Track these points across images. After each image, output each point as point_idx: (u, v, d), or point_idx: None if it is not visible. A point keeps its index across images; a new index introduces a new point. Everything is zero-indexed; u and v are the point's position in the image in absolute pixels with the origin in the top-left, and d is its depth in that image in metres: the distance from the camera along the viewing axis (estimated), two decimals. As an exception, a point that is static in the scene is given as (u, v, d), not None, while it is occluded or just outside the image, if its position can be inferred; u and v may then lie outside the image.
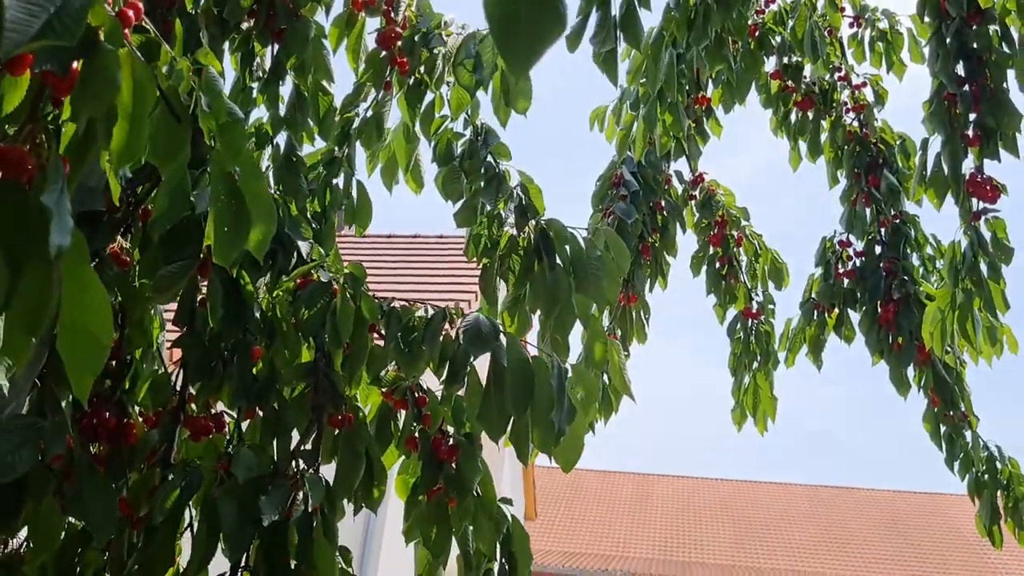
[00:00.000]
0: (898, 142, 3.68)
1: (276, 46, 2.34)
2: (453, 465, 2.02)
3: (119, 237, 1.95)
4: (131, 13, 1.32)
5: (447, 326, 1.95)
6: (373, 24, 2.51)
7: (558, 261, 2.24)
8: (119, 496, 1.81)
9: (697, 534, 16.78)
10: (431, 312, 1.99)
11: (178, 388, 2.00)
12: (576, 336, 2.57)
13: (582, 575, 14.11)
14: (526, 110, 2.24)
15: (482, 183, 2.37)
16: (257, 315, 1.91)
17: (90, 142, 1.16)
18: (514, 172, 2.40)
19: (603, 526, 17.06)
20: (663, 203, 3.55)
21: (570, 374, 1.83)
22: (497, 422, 1.82)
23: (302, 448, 1.83)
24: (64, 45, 0.97)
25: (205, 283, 1.94)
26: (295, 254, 2.04)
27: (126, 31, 1.32)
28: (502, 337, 1.85)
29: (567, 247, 2.24)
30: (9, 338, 0.94)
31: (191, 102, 1.38)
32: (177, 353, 2.02)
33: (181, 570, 1.82)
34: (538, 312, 2.30)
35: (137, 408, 2.01)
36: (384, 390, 2.05)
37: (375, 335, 2.04)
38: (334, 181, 2.44)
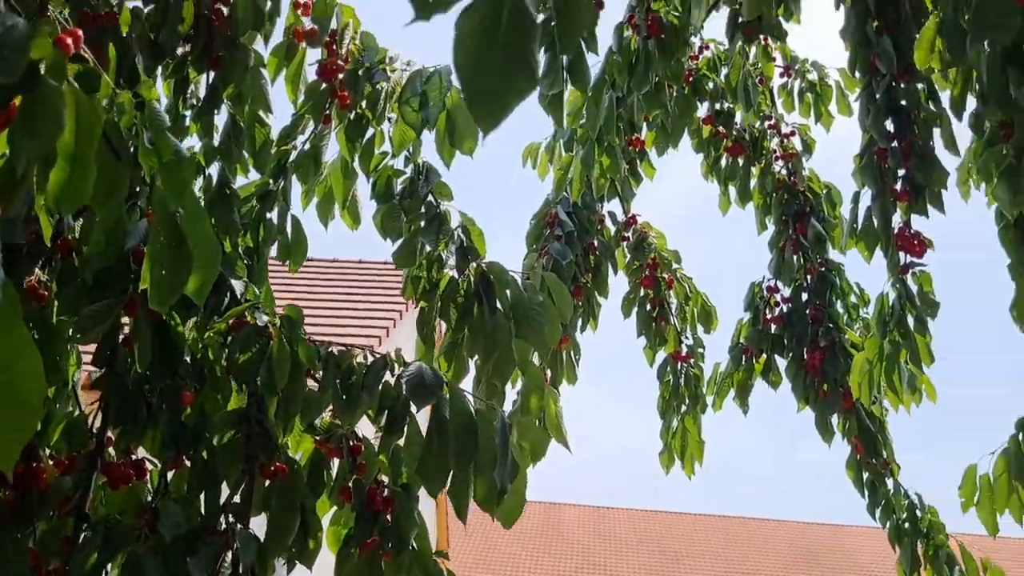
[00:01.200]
0: (825, 191, 3.77)
1: (212, 74, 2.25)
2: (388, 517, 1.95)
3: (37, 270, 1.83)
4: (70, 41, 1.24)
5: (387, 373, 1.88)
6: (314, 55, 2.44)
7: (499, 305, 2.19)
8: (28, 547, 1.68)
9: (609, 564, 16.81)
10: (370, 358, 1.92)
11: (95, 431, 1.88)
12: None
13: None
14: (472, 150, 2.20)
15: (422, 223, 2.31)
16: (187, 358, 1.81)
17: (23, 181, 1.07)
18: (455, 212, 2.35)
19: (513, 556, 16.94)
20: (596, 244, 3.55)
21: (513, 426, 1.78)
22: (437, 476, 1.76)
23: (232, 501, 1.73)
24: (4, 81, 0.89)
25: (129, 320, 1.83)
26: (228, 293, 1.94)
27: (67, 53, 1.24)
28: (445, 388, 1.80)
29: (508, 291, 2.19)
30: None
31: (131, 137, 1.30)
32: (94, 393, 1.90)
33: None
34: (475, 357, 2.25)
35: (48, 451, 1.88)
36: (318, 438, 1.96)
37: (311, 380, 1.95)
38: (268, 215, 2.35)
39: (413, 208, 2.31)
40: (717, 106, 3.87)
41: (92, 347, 1.86)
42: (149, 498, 1.83)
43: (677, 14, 2.89)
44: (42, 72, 0.96)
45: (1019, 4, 2.38)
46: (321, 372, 1.92)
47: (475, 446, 1.74)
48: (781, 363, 3.61)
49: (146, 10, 2.08)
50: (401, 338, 7.37)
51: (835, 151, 4.16)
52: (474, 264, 2.23)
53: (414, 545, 1.92)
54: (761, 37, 3.63)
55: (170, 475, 1.84)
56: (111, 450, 1.89)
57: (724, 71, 3.72)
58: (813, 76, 3.80)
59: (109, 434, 1.88)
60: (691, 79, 3.69)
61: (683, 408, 3.71)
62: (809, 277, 3.61)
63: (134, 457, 1.89)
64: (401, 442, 1.91)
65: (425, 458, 1.79)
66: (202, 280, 1.31)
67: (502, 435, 1.73)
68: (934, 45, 2.32)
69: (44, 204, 1.10)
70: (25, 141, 0.92)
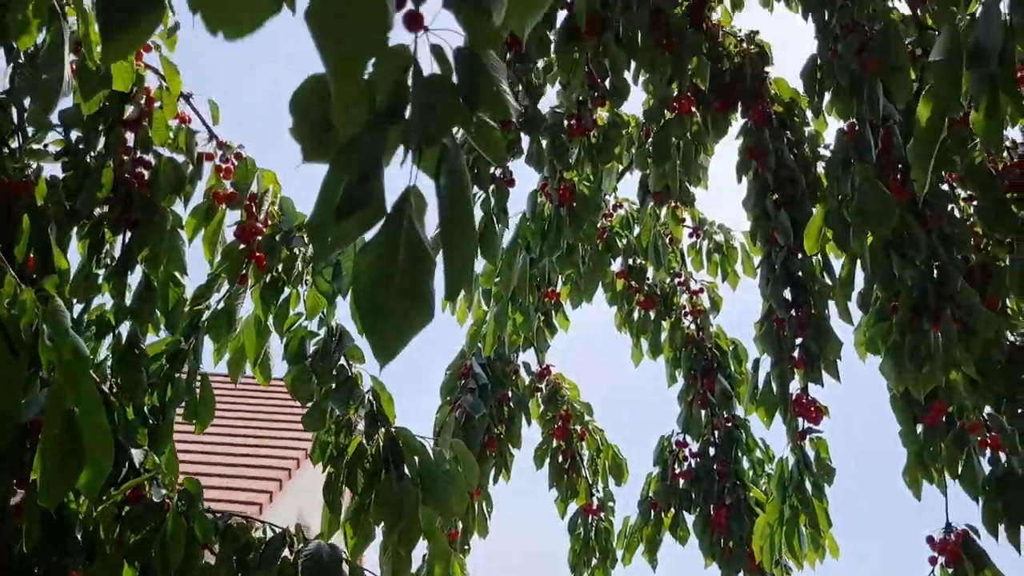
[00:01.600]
0: (731, 348, 3.91)
1: (128, 234, 2.28)
2: None
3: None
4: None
5: (286, 550, 1.87)
6: (233, 216, 2.49)
7: (406, 471, 2.20)
8: None
9: None
10: (270, 532, 1.90)
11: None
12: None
13: None
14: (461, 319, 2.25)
15: (333, 386, 2.33)
16: (78, 534, 1.77)
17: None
18: (366, 376, 2.38)
19: None
20: (510, 394, 3.60)
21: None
22: (333, 660, 1.73)
23: None
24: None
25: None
26: (127, 463, 1.92)
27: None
28: (345, 567, 1.79)
29: (416, 458, 2.21)
30: None
31: (32, 331, 1.31)
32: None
33: None
34: (381, 524, 2.24)
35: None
36: (211, 614, 1.91)
37: (208, 551, 1.92)
38: (177, 374, 2.34)
39: (324, 371, 2.33)
40: (630, 262, 4.02)
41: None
42: None
43: (588, 184, 3.04)
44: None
45: (899, 199, 2.59)
46: (218, 546, 1.90)
47: (372, 630, 1.73)
48: (689, 518, 3.66)
49: (63, 176, 2.12)
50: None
51: (742, 308, 4.34)
52: (383, 429, 2.25)
53: None
54: (671, 201, 3.82)
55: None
56: (-10, 625, 1.81)
57: (636, 230, 3.89)
58: (720, 238, 4.00)
59: (-10, 608, 1.81)
60: (605, 236, 3.85)
61: (593, 562, 3.70)
62: (716, 432, 3.71)
63: (14, 635, 1.82)
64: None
65: (321, 639, 1.76)
66: (94, 475, 1.30)
67: (399, 619, 1.72)
68: (821, 233, 2.49)
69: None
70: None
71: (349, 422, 2.30)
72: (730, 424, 3.70)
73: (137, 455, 1.95)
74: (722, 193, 4.24)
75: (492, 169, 2.54)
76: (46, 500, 1.27)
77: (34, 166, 2.06)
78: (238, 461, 6.68)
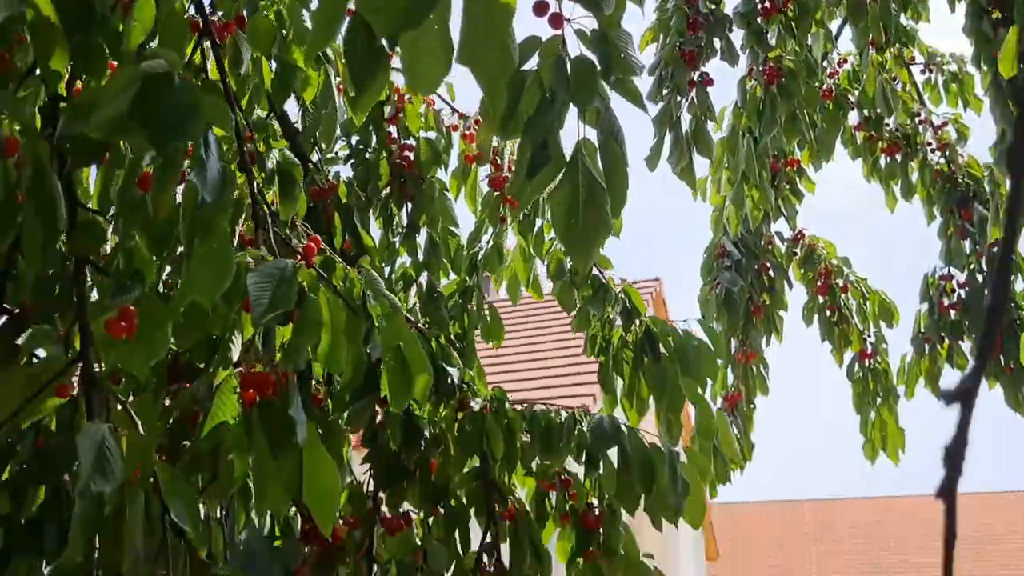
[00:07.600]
0: (986, 174, 3.86)
1: (410, 206, 2.88)
2: (601, 532, 2.44)
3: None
4: (313, 246, 1.86)
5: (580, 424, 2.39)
6: (484, 171, 3.02)
7: (663, 352, 2.63)
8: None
9: (896, 563, 16.02)
10: (564, 414, 2.43)
11: (370, 494, 2.51)
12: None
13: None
14: (619, 230, 2.69)
15: (591, 292, 2.80)
16: (426, 433, 2.40)
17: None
18: (618, 279, 2.82)
19: (788, 560, 16.67)
20: (768, 264, 3.88)
21: (683, 457, 2.24)
22: (630, 500, 2.25)
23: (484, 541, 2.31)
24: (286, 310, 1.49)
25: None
26: (448, 379, 2.53)
27: (312, 260, 1.85)
28: (624, 430, 2.27)
29: (669, 339, 2.63)
30: (273, 496, 1.44)
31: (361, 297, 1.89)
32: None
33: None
34: (650, 396, 2.70)
35: (339, 514, 2.53)
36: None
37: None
38: (469, 305, 2.94)
39: (582, 281, 2.81)
40: (865, 112, 4.08)
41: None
42: (418, 541, 2.43)
43: (795, 56, 3.21)
44: (307, 291, 1.56)
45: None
46: (529, 429, 2.46)
47: (653, 476, 2.21)
48: (964, 346, 3.75)
49: (353, 172, 2.74)
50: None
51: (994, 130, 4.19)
52: (637, 321, 2.69)
53: (624, 551, 2.40)
54: (892, 45, 3.83)
55: (430, 521, 2.44)
56: (384, 508, 2.51)
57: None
58: (953, 67, 3.93)
59: (381, 495, 2.51)
60: (833, 95, 3.94)
61: (878, 401, 3.92)
62: (982, 260, 3.73)
63: (401, 511, 2.51)
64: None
65: (620, 487, 2.28)
66: (421, 386, 1.87)
67: (670, 464, 2.19)
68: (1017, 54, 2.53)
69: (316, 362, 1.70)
70: (301, 337, 1.53)
71: (609, 319, 2.77)
72: (995, 248, 3.70)
73: (455, 373, 2.55)
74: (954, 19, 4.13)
75: (689, 75, 2.83)
76: (395, 406, 1.85)
77: (333, 171, 2.69)
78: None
